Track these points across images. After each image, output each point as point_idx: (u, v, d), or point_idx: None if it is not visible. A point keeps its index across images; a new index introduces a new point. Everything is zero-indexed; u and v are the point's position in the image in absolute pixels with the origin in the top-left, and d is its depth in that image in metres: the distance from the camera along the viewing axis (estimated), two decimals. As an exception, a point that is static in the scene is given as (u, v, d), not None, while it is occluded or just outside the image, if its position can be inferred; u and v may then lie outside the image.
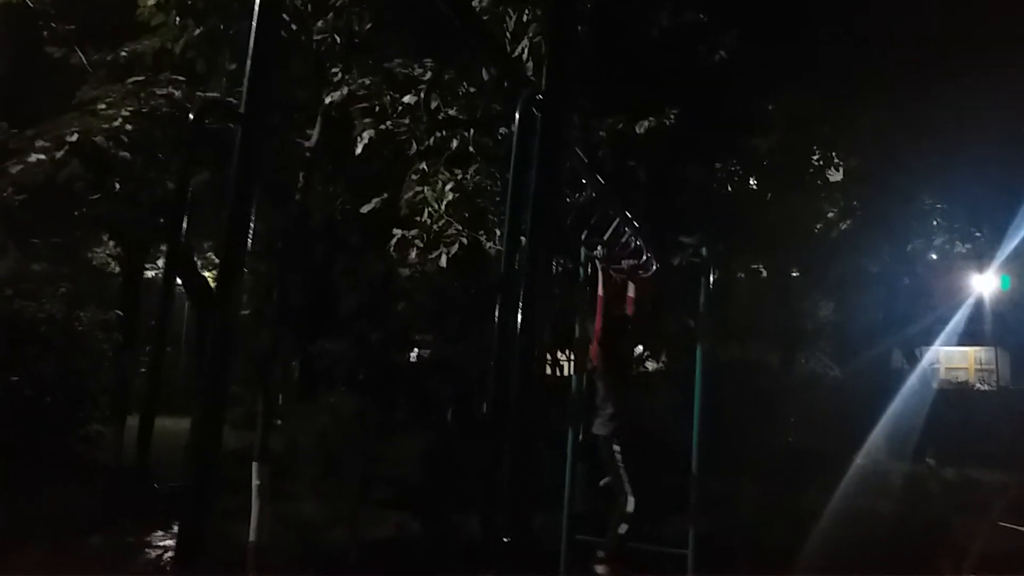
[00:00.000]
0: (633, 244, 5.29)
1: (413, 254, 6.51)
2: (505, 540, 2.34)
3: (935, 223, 12.41)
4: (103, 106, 6.39)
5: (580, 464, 5.82)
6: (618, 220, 5.21)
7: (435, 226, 6.39)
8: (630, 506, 5.10)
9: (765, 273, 12.31)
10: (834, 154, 9.51)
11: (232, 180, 3.11)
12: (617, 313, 5.42)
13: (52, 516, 6.33)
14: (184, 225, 3.40)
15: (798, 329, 12.64)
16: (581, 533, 5.68)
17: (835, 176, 10.31)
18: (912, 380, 12.02)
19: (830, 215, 12.02)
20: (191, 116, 5.62)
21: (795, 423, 12.39)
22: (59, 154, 6.12)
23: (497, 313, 2.69)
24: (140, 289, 11.48)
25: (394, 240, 6.57)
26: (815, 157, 9.48)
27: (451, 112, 6.25)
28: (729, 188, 8.96)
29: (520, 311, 2.69)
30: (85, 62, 7.03)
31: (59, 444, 5.04)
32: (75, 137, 6.15)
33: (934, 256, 12.83)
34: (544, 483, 5.72)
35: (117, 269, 12.89)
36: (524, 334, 2.66)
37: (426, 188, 6.41)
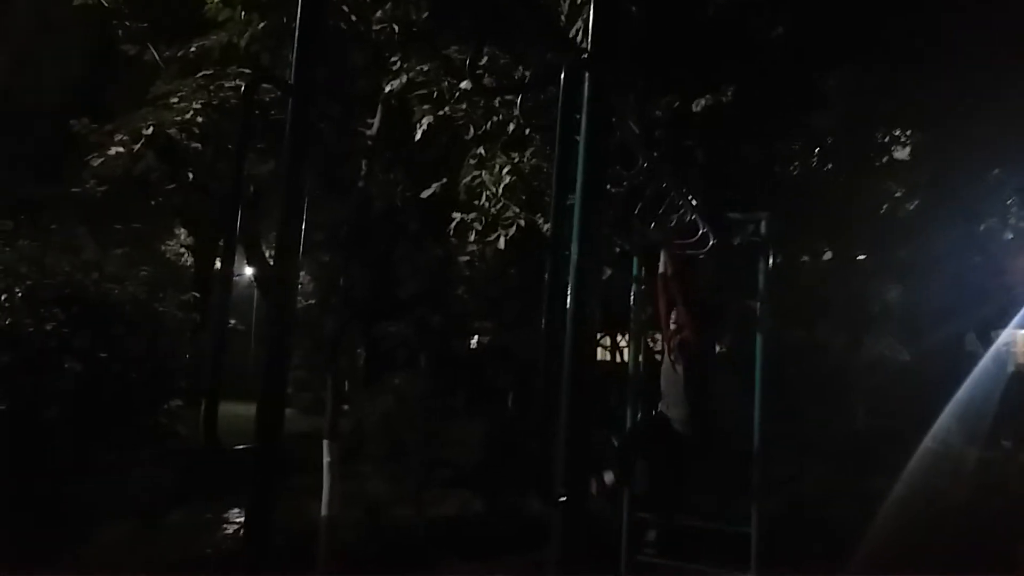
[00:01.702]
0: (688, 220, 5.28)
1: (472, 237, 6.61)
2: (562, 499, 2.42)
3: (1009, 201, 11.93)
4: (175, 100, 6.69)
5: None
6: (673, 195, 5.20)
7: (493, 209, 6.47)
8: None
9: (830, 255, 12.06)
10: (899, 131, 9.25)
11: (285, 150, 3.26)
12: (696, 296, 5.27)
13: (140, 490, 6.70)
14: (239, 211, 3.57)
15: (865, 312, 12.34)
16: (641, 512, 5.71)
17: (901, 154, 10.01)
18: (986, 363, 11.62)
19: (897, 195, 11.67)
20: (242, 88, 5.84)
21: (863, 407, 12.13)
22: (136, 147, 6.44)
23: (546, 292, 2.73)
24: (213, 280, 11.91)
25: (453, 224, 6.68)
26: (879, 134, 9.23)
27: (508, 97, 6.32)
28: (790, 168, 8.81)
29: (570, 291, 2.72)
30: (158, 58, 7.34)
31: (145, 419, 5.33)
32: (150, 130, 6.46)
33: (1010, 235, 12.33)
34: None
35: (190, 261, 13.42)
36: (575, 315, 2.69)
37: (483, 172, 6.50)
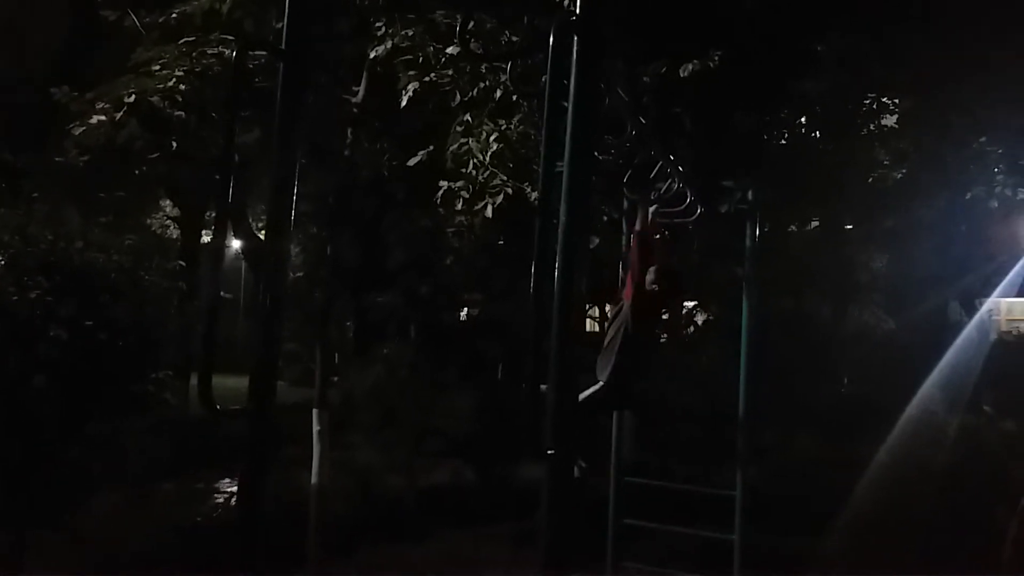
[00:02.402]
0: (676, 188, 5.27)
1: (459, 205, 6.58)
2: (549, 452, 2.45)
3: (996, 169, 11.97)
4: (157, 67, 6.59)
5: (627, 413, 5.89)
6: (661, 163, 5.18)
7: (480, 177, 6.44)
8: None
9: (818, 223, 12.09)
10: (887, 98, 9.23)
11: (277, 116, 3.22)
12: (666, 262, 5.17)
13: (130, 460, 6.72)
14: (230, 181, 3.53)
15: (851, 281, 12.42)
16: (629, 476, 5.78)
17: (889, 121, 10.00)
18: (969, 331, 11.75)
19: (885, 163, 11.68)
20: (227, 55, 5.75)
21: (848, 375, 12.25)
22: (118, 115, 6.35)
23: (534, 259, 2.71)
24: (199, 253, 11.86)
25: (440, 192, 6.65)
26: (867, 101, 9.21)
27: (495, 64, 6.26)
28: (777, 135, 8.79)
29: (558, 258, 2.70)
30: (138, 24, 7.23)
31: (133, 388, 5.33)
32: (132, 98, 6.37)
33: (995, 204, 12.37)
34: (596, 437, 5.84)
35: (176, 234, 13.33)
36: (563, 281, 2.68)
37: (470, 140, 6.46)
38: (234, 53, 6.70)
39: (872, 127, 9.56)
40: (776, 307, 9.86)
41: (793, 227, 11.29)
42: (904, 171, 11.70)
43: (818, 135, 9.75)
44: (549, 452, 2.50)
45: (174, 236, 12.80)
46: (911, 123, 10.13)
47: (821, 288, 11.89)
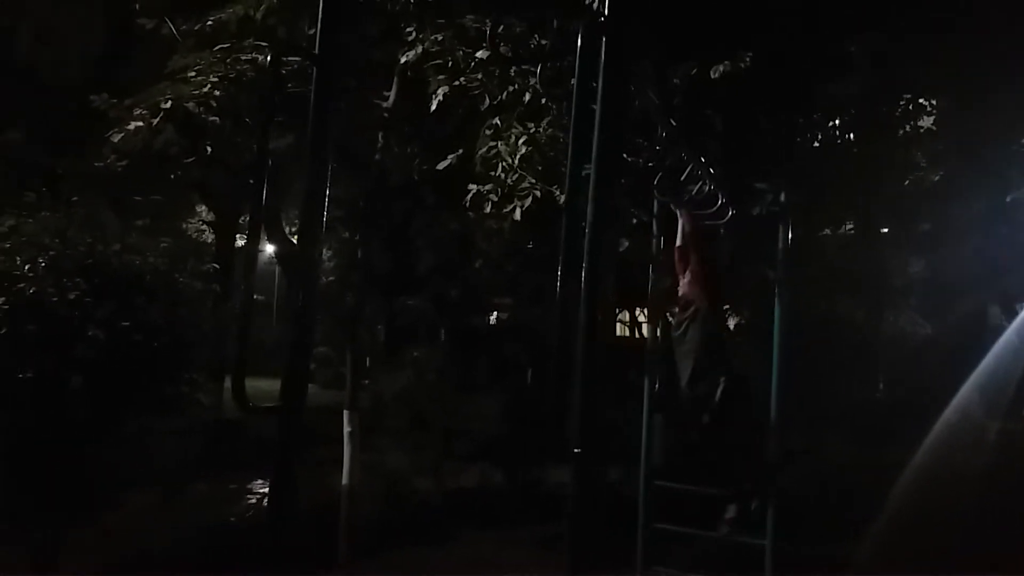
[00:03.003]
0: (707, 190, 5.24)
1: (488, 209, 6.60)
2: (576, 451, 2.45)
3: (1037, 168, 11.69)
4: (192, 73, 6.72)
5: (657, 415, 5.84)
6: (692, 165, 5.16)
7: (509, 180, 6.45)
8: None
9: (852, 227, 11.91)
10: (923, 99, 9.07)
11: (310, 121, 3.26)
12: (711, 264, 5.20)
13: (164, 459, 6.84)
14: (264, 186, 3.60)
15: (887, 284, 12.22)
16: (659, 480, 5.73)
17: (925, 123, 9.84)
18: (1009, 335, 11.46)
19: (923, 164, 11.49)
20: (260, 61, 5.84)
21: (883, 380, 12.03)
22: (155, 121, 6.49)
23: (561, 262, 2.70)
24: (233, 257, 12.02)
25: (469, 196, 6.68)
26: (902, 102, 9.07)
27: (524, 67, 6.28)
28: (810, 136, 8.68)
29: (584, 259, 2.69)
30: (175, 32, 7.37)
31: (167, 388, 5.43)
32: (168, 104, 6.50)
33: (1037, 204, 12.06)
34: (627, 439, 5.80)
35: (211, 238, 13.54)
36: (589, 281, 2.67)
37: (499, 143, 6.48)
38: (268, 59, 6.83)
39: (908, 128, 9.39)
40: (810, 311, 9.74)
41: (828, 230, 11.15)
42: (942, 173, 11.49)
43: (852, 137, 9.62)
44: (576, 451, 2.50)
45: (209, 240, 13.02)
46: (949, 124, 9.95)
47: (856, 292, 11.72)
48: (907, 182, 11.27)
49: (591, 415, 2.66)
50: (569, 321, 2.75)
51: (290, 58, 5.72)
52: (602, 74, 2.73)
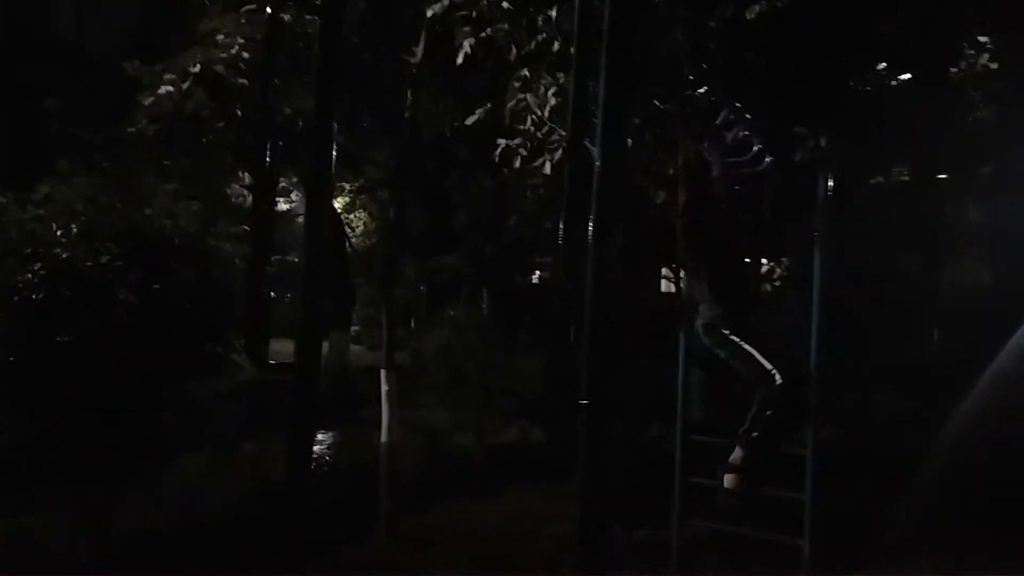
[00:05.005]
0: (740, 135, 5.03)
1: (517, 163, 6.48)
2: (582, 402, 2.39)
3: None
4: (221, 36, 6.72)
5: (693, 370, 5.72)
6: (727, 110, 4.95)
7: (539, 133, 6.31)
8: (778, 379, 4.02)
9: (907, 176, 11.42)
10: (979, 36, 8.56)
11: (316, 72, 3.18)
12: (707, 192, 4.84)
13: (208, 420, 6.99)
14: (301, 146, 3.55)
15: (945, 234, 11.74)
16: (696, 435, 5.63)
17: (984, 60, 9.29)
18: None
19: (981, 106, 10.91)
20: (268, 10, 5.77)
21: (939, 333, 11.63)
22: (185, 85, 6.53)
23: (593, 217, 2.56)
24: (269, 219, 12.08)
25: (499, 150, 6.56)
26: (959, 40, 8.57)
27: (550, 14, 6.09)
28: (861, 81, 8.28)
29: (593, 201, 2.58)
30: (204, -6, 7.37)
31: (201, 349, 5.52)
32: (197, 68, 6.53)
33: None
34: (664, 397, 5.71)
35: (248, 201, 13.64)
36: (597, 230, 2.56)
37: (528, 95, 6.32)
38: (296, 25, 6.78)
39: (963, 67, 8.90)
40: (858, 262, 9.42)
41: (880, 178, 10.72)
42: (1003, 113, 10.90)
43: (906, 78, 9.15)
44: (582, 402, 2.44)
45: (247, 203, 13.15)
46: (1009, 61, 9.39)
47: (911, 242, 11.30)
48: (965, 124, 10.74)
49: (602, 367, 2.59)
50: (603, 277, 2.66)
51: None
52: (607, 11, 2.60)
